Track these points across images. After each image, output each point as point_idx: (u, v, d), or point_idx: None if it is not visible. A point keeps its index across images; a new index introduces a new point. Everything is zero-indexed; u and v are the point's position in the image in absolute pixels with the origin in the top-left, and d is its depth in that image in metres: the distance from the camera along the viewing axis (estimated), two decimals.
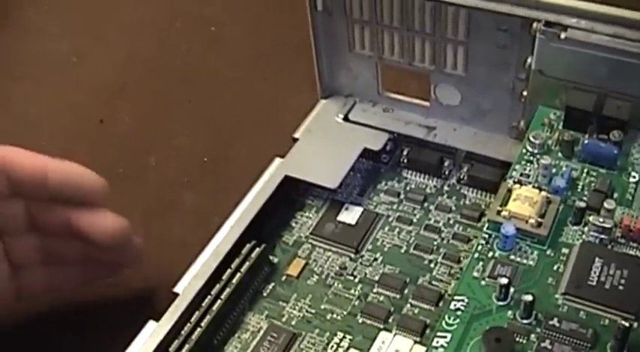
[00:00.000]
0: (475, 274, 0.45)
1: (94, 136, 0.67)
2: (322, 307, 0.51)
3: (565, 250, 0.46)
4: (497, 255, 0.46)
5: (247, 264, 0.51)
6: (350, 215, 0.55)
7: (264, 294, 0.52)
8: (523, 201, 0.47)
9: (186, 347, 0.47)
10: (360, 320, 0.50)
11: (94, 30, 0.78)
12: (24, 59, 0.75)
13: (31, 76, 0.73)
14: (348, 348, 0.48)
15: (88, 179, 0.49)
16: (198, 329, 0.48)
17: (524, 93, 0.54)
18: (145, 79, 0.72)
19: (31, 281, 0.50)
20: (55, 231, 0.49)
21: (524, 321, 0.43)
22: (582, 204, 0.47)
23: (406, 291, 0.51)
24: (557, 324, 0.42)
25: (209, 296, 0.49)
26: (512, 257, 0.46)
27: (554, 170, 0.50)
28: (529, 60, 0.52)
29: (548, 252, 0.46)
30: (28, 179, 0.47)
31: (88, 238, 0.48)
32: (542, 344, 0.42)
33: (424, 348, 0.46)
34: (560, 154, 0.51)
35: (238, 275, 0.50)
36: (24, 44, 0.77)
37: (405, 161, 0.58)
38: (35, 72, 0.74)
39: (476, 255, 0.46)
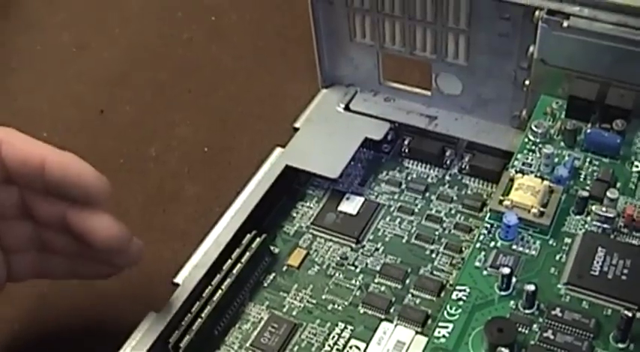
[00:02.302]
0: (477, 264, 0.45)
1: (94, 127, 0.66)
2: (323, 297, 0.50)
3: (567, 240, 0.46)
4: (499, 244, 0.46)
5: (248, 254, 0.51)
6: (351, 205, 0.55)
7: (265, 285, 0.51)
8: (525, 191, 0.47)
9: (187, 337, 0.47)
10: (362, 311, 0.50)
11: (94, 20, 0.77)
12: (24, 50, 0.75)
13: (31, 67, 0.73)
14: (349, 339, 0.48)
15: (88, 176, 0.45)
16: (199, 320, 0.48)
17: (527, 82, 0.54)
18: (146, 69, 0.71)
19: (21, 266, 0.47)
20: (49, 223, 0.46)
21: (527, 311, 0.43)
22: (585, 194, 0.47)
23: (407, 281, 0.51)
24: (560, 314, 0.42)
25: (210, 287, 0.49)
26: (514, 247, 0.46)
27: (556, 159, 0.50)
28: (531, 49, 0.52)
29: (550, 242, 0.46)
30: (22, 167, 0.44)
31: (83, 240, 0.45)
32: (545, 334, 0.41)
33: (425, 339, 0.46)
34: (562, 143, 0.51)
35: (239, 265, 0.50)
36: (24, 35, 0.76)
37: (407, 151, 0.58)
38: (35, 63, 0.74)
39: (478, 245, 0.46)
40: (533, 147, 0.51)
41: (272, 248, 0.53)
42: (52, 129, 0.66)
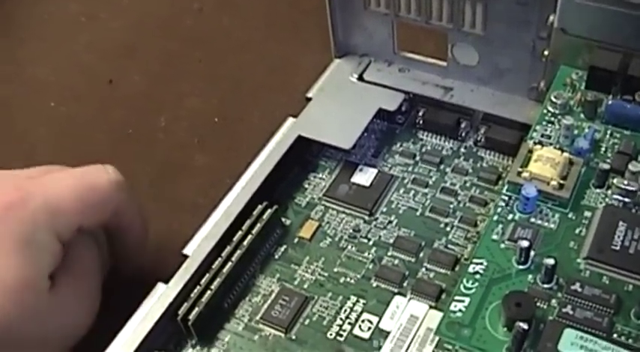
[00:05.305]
0: (494, 237, 0.44)
1: (103, 97, 0.66)
2: (335, 270, 0.50)
3: (587, 213, 0.45)
4: (517, 217, 0.45)
5: (259, 225, 0.50)
6: (364, 176, 0.54)
7: (276, 257, 0.51)
8: (545, 162, 0.45)
9: (196, 309, 0.46)
10: (374, 284, 0.49)
11: None
12: (32, 20, 0.74)
13: (40, 37, 0.72)
14: (361, 312, 0.47)
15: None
16: (208, 292, 0.47)
17: (545, 52, 0.53)
18: (156, 38, 0.70)
19: None
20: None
21: (545, 286, 0.42)
22: (606, 166, 0.46)
23: (421, 255, 0.50)
24: (580, 289, 0.41)
25: (219, 259, 0.48)
26: (532, 219, 0.45)
27: (576, 131, 0.49)
28: (551, 17, 0.50)
29: (570, 215, 0.45)
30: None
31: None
32: (564, 310, 0.40)
33: (439, 313, 0.45)
34: (582, 115, 0.50)
35: (249, 236, 0.49)
36: (32, 5, 0.75)
37: (421, 122, 0.57)
38: (44, 33, 0.73)
39: (495, 217, 0.45)
40: (552, 119, 0.49)
41: (283, 219, 0.52)
42: (60, 99, 0.65)
